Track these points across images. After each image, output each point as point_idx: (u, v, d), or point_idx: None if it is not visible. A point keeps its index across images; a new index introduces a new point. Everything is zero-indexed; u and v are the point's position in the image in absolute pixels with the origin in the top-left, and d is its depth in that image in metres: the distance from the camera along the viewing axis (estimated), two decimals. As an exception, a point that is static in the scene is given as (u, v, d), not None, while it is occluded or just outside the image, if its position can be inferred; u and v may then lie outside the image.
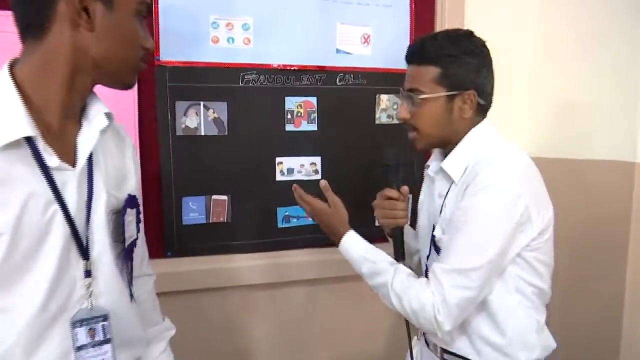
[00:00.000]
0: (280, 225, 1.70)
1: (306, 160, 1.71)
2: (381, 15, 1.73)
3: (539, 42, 1.85)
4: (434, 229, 1.16)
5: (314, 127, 1.70)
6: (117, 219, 0.91)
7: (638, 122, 1.74)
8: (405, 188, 1.26)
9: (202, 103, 1.57)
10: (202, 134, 1.58)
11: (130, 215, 0.95)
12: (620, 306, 1.82)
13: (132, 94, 1.49)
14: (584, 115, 1.80)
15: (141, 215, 1.02)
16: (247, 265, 1.66)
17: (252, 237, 1.68)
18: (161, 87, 1.53)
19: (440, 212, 1.15)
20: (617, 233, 1.80)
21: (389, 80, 1.76)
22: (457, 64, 1.10)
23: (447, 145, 1.17)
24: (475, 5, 1.77)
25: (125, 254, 0.95)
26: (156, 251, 1.54)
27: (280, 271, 1.70)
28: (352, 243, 1.24)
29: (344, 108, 1.73)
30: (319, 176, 1.72)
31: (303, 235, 1.73)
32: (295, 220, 1.71)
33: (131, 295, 0.97)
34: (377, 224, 1.33)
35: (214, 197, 1.62)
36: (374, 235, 1.78)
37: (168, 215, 1.58)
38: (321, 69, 1.68)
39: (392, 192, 1.25)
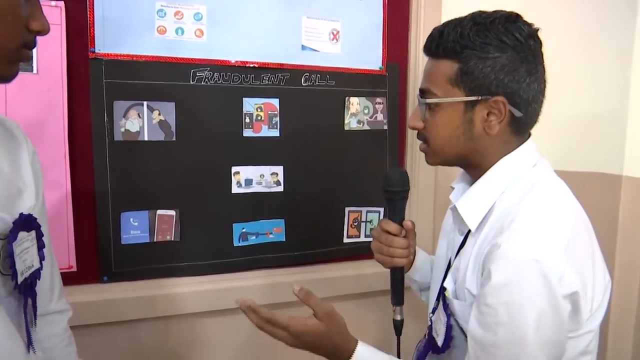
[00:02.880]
0: (236, 243, 1.50)
1: (266, 170, 1.51)
2: (352, 9, 1.55)
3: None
4: (445, 276, 0.95)
5: (275, 132, 1.50)
6: (5, 246, 0.70)
7: (625, 135, 1.68)
8: (408, 223, 1.04)
9: (145, 103, 1.36)
10: (146, 139, 1.37)
11: (26, 240, 0.74)
12: (606, 320, 1.74)
13: (61, 91, 1.26)
14: (570, 127, 1.71)
15: (45, 239, 0.81)
16: (198, 290, 1.45)
17: (204, 257, 1.47)
18: (96, 84, 1.31)
19: (456, 255, 0.93)
20: (604, 246, 1.70)
21: (359, 82, 1.59)
22: (479, 58, 0.84)
23: (470, 167, 0.94)
24: (454, 0, 1.61)
25: (21, 291, 0.75)
26: (90, 276, 1.36)
27: (236, 296, 1.49)
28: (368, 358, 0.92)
29: (309, 112, 1.54)
30: (280, 188, 1.52)
31: (263, 255, 1.53)
32: (254, 237, 1.51)
33: (30, 345, 0.76)
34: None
35: (160, 212, 1.40)
36: (342, 255, 1.64)
37: (104, 234, 1.35)
38: (284, 68, 1.49)
39: (391, 226, 1.03)
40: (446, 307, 0.91)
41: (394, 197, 1.03)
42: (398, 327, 1.09)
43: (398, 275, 1.07)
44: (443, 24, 0.89)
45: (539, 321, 0.77)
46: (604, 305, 0.87)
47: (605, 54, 1.67)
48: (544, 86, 0.90)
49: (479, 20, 0.85)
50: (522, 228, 0.80)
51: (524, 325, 0.77)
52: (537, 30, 0.88)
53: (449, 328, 0.91)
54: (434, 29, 0.90)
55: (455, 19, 0.88)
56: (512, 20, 0.85)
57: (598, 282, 0.85)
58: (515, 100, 0.86)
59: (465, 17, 0.87)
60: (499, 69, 0.84)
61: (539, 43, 0.88)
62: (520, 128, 0.89)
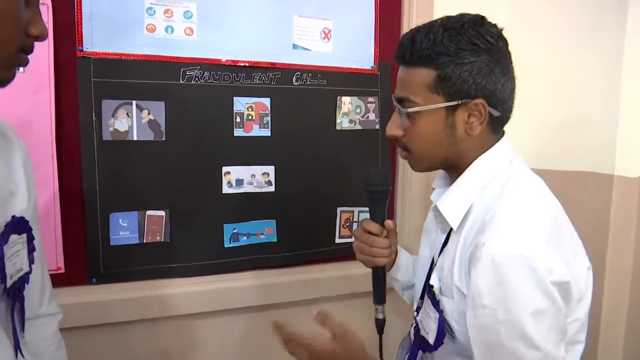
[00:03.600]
0: (227, 244, 1.48)
1: (258, 170, 1.50)
2: (344, 8, 1.54)
3: (513, 44, 1.73)
4: (429, 276, 0.95)
5: (266, 132, 1.49)
6: None
7: (616, 134, 1.67)
8: (389, 222, 1.04)
9: (134, 102, 1.34)
10: (135, 138, 1.35)
11: (17, 243, 0.73)
12: (597, 319, 1.75)
13: (48, 90, 1.25)
14: (562, 126, 1.71)
15: (36, 242, 0.80)
16: (188, 292, 1.44)
17: (194, 258, 1.45)
18: (84, 82, 1.29)
19: (440, 253, 0.93)
20: (595, 245, 1.72)
21: (351, 81, 1.58)
22: (455, 64, 0.85)
23: (451, 168, 0.95)
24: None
25: (10, 294, 0.74)
26: (78, 277, 1.34)
27: (227, 297, 1.49)
28: None
29: (301, 111, 1.53)
30: (272, 188, 1.51)
31: (254, 256, 1.52)
32: (245, 238, 1.50)
33: (18, 350, 0.75)
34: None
35: (149, 212, 1.39)
36: (334, 255, 1.63)
37: (92, 235, 1.33)
38: (275, 67, 1.48)
39: (372, 226, 1.03)
40: (436, 304, 0.91)
41: (374, 197, 1.04)
42: (380, 326, 1.10)
43: (380, 275, 1.07)
44: (412, 31, 0.90)
45: (537, 314, 0.78)
46: (589, 292, 0.88)
47: (596, 55, 1.67)
48: (515, 84, 0.92)
49: (449, 26, 0.86)
50: (502, 224, 0.81)
51: (522, 319, 0.78)
52: (502, 30, 0.90)
53: (441, 325, 0.91)
54: (403, 37, 0.91)
55: (423, 26, 0.89)
56: (479, 23, 0.87)
57: (580, 269, 0.87)
58: (493, 101, 0.88)
59: (434, 22, 0.89)
60: (476, 73, 0.86)
61: (506, 43, 0.90)
62: (497, 126, 0.92)
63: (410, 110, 0.90)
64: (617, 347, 1.75)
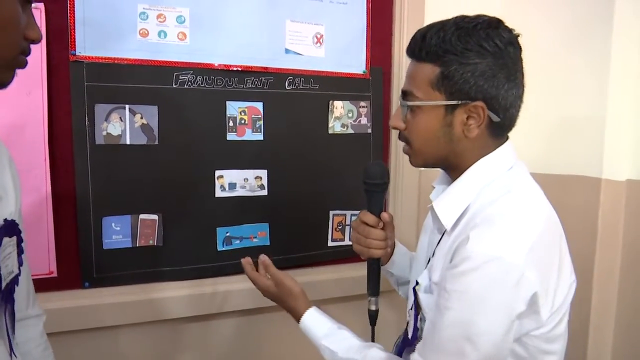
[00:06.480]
0: (220, 248, 1.49)
1: (250, 174, 1.50)
2: (335, 13, 1.55)
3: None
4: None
5: (259, 136, 1.50)
6: None
7: (604, 138, 1.69)
8: (385, 215, 1.06)
9: (127, 107, 1.34)
10: (128, 142, 1.35)
11: (8, 246, 0.74)
12: (586, 322, 1.75)
13: (41, 94, 1.25)
14: (550, 130, 1.72)
15: (24, 245, 0.81)
16: (181, 295, 1.44)
17: (187, 262, 1.45)
18: (77, 87, 1.29)
19: (433, 253, 0.94)
20: (583, 249, 1.72)
21: (343, 86, 1.59)
22: (459, 63, 0.85)
23: (450, 168, 0.95)
24: (437, 5, 1.63)
25: (3, 296, 0.74)
26: (71, 281, 1.34)
27: (220, 300, 1.49)
28: (310, 325, 1.04)
29: (293, 115, 1.54)
30: (264, 192, 1.52)
31: (247, 259, 1.52)
32: (237, 242, 1.51)
33: (11, 350, 0.75)
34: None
35: (142, 216, 1.39)
36: (327, 258, 1.64)
37: (85, 238, 1.33)
38: (268, 71, 1.49)
39: (368, 218, 1.05)
40: (416, 299, 0.93)
41: (372, 190, 1.05)
42: (373, 317, 1.12)
43: (374, 266, 1.09)
44: (426, 26, 0.90)
45: (487, 317, 0.80)
46: (567, 305, 0.89)
47: (584, 58, 1.69)
48: (522, 91, 0.92)
49: (462, 25, 0.86)
50: (491, 226, 0.82)
51: (469, 315, 0.80)
52: (517, 36, 0.89)
53: (415, 318, 0.93)
54: (417, 32, 0.91)
55: (439, 23, 0.89)
56: (493, 26, 0.87)
57: (562, 284, 0.87)
58: (493, 106, 0.87)
59: (449, 20, 0.88)
60: (479, 75, 0.85)
61: (518, 49, 0.90)
62: (498, 131, 0.91)
63: (410, 103, 0.90)
64: (606, 350, 1.76)
